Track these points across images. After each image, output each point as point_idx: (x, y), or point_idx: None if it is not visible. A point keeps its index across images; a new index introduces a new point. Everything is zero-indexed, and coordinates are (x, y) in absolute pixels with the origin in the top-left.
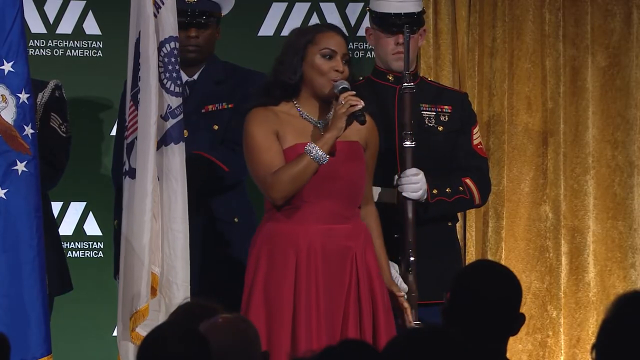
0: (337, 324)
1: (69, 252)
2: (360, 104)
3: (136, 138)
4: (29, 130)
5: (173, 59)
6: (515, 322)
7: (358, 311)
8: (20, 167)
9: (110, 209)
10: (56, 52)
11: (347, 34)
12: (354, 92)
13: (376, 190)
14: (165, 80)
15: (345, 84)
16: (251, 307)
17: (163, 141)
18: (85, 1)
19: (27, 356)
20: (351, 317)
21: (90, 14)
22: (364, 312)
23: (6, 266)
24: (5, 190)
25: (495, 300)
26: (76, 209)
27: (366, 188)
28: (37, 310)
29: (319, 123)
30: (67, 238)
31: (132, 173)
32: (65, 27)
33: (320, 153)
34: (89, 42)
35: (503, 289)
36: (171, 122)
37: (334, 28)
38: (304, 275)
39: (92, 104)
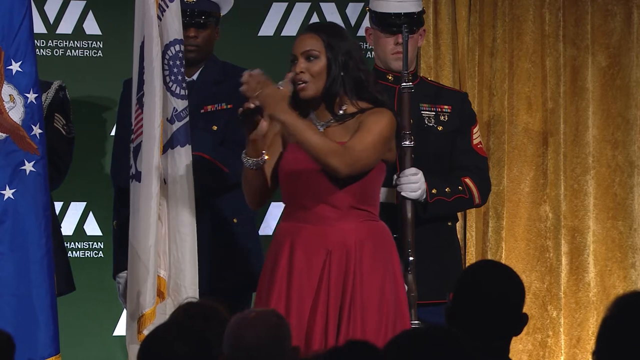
0: (302, 328)
1: (69, 252)
2: (248, 106)
3: (142, 141)
4: (37, 130)
5: (178, 62)
6: (518, 322)
7: (325, 315)
8: (29, 167)
9: (111, 209)
10: (56, 52)
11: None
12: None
13: None
14: (170, 83)
15: (279, 83)
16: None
17: (170, 144)
18: (85, 1)
19: (35, 356)
20: (318, 323)
21: (90, 14)
22: (330, 318)
23: (15, 266)
24: (13, 190)
25: (498, 301)
26: (76, 209)
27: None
28: (45, 310)
29: (322, 124)
30: (67, 238)
31: (138, 176)
32: (65, 27)
33: (246, 158)
34: (89, 42)
35: (506, 290)
36: (177, 124)
37: (305, 30)
38: (285, 274)
39: (92, 104)
